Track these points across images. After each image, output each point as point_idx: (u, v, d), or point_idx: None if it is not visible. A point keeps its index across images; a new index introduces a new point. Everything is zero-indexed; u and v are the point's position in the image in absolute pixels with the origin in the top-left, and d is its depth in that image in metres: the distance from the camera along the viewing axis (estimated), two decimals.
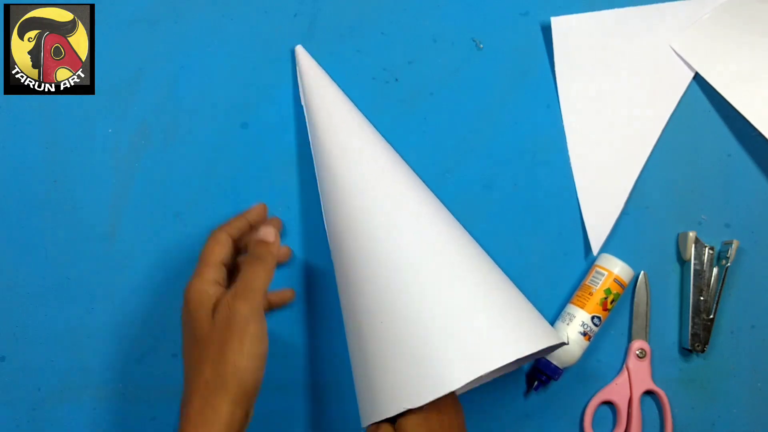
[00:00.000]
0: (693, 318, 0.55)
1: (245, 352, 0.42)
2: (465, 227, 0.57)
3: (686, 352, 0.56)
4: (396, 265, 0.46)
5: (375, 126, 0.58)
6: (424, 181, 0.57)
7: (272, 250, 0.47)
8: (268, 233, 0.48)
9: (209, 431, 0.41)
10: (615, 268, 0.55)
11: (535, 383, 0.55)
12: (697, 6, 0.59)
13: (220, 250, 0.48)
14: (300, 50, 0.56)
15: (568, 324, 0.54)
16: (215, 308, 0.44)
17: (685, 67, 0.58)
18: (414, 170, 0.57)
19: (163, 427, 0.56)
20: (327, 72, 0.57)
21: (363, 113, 0.57)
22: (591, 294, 0.54)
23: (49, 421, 0.55)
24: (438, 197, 0.57)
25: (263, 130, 0.58)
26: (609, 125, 0.58)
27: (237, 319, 0.43)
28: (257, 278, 0.45)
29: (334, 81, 0.56)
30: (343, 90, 0.57)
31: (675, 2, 0.59)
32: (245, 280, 0.45)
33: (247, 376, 0.43)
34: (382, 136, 0.57)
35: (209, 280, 0.46)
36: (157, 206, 0.57)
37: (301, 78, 0.55)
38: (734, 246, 0.55)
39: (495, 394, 0.56)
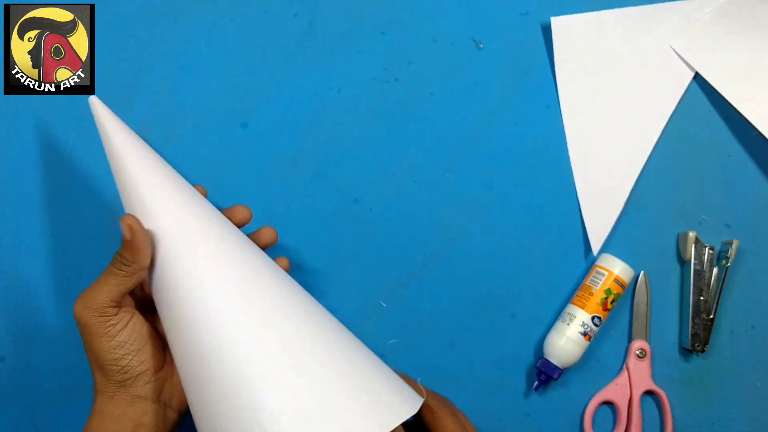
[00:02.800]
0: (693, 318, 0.55)
1: (94, 349, 0.43)
2: (465, 227, 0.57)
3: (686, 352, 0.56)
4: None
5: (375, 126, 0.58)
6: (424, 181, 0.57)
7: (126, 253, 0.42)
8: (125, 229, 0.42)
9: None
10: (615, 268, 0.55)
11: (535, 383, 0.55)
12: (697, 6, 0.59)
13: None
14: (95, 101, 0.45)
15: (568, 324, 0.54)
16: None
17: (685, 67, 0.58)
18: (414, 170, 0.57)
19: None
20: (327, 73, 0.57)
21: (363, 113, 0.57)
22: (591, 294, 0.54)
23: (49, 421, 0.55)
24: (438, 197, 0.57)
25: (263, 130, 0.58)
26: (609, 125, 0.58)
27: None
28: (100, 279, 0.43)
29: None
30: (341, 90, 0.57)
31: (675, 2, 0.59)
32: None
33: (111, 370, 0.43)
34: (379, 137, 0.57)
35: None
36: None
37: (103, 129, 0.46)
38: (734, 246, 0.55)
39: (495, 393, 0.56)
